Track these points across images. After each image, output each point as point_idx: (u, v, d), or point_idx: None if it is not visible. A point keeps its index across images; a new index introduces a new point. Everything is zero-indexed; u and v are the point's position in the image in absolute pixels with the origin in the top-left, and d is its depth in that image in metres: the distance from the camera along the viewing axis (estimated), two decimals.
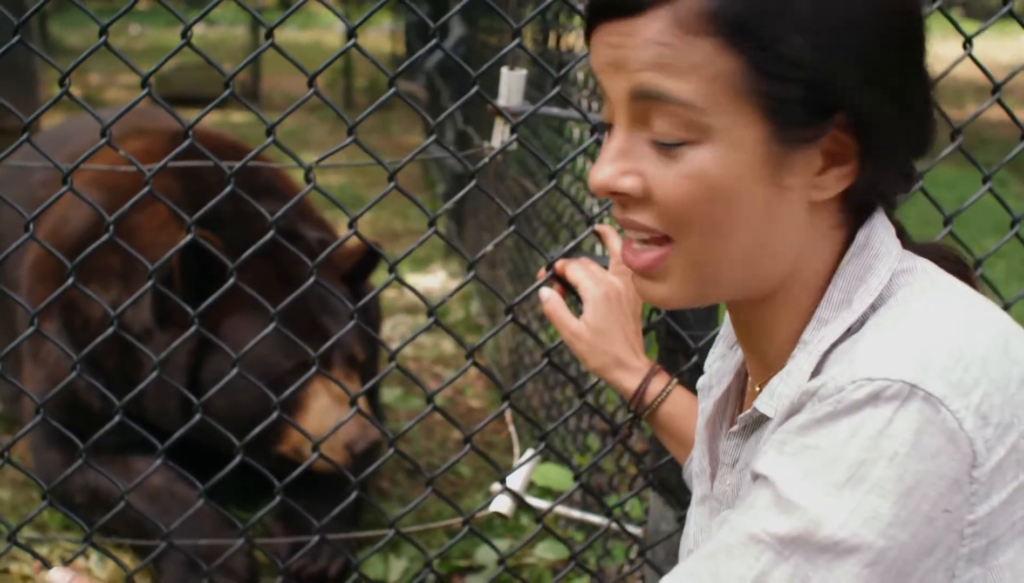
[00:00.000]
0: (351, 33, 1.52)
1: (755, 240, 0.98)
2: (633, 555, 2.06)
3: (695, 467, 1.24)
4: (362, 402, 2.56)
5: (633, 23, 0.94)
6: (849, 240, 1.03)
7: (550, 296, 1.49)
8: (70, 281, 1.68)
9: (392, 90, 1.52)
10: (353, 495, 1.80)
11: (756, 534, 0.91)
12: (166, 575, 2.34)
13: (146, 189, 1.63)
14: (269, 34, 1.49)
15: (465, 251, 4.67)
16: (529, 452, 1.87)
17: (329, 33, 16.59)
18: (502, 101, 1.67)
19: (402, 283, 1.65)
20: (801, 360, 1.01)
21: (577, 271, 1.49)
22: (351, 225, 1.62)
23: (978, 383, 0.89)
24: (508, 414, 2.07)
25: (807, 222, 0.99)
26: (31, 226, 1.61)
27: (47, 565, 1.58)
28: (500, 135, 1.71)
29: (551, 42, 2.83)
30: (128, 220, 2.58)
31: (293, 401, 2.46)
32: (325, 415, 2.48)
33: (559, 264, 1.51)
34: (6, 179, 2.90)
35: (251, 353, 2.34)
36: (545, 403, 2.97)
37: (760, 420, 1.07)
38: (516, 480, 1.79)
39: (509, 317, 1.68)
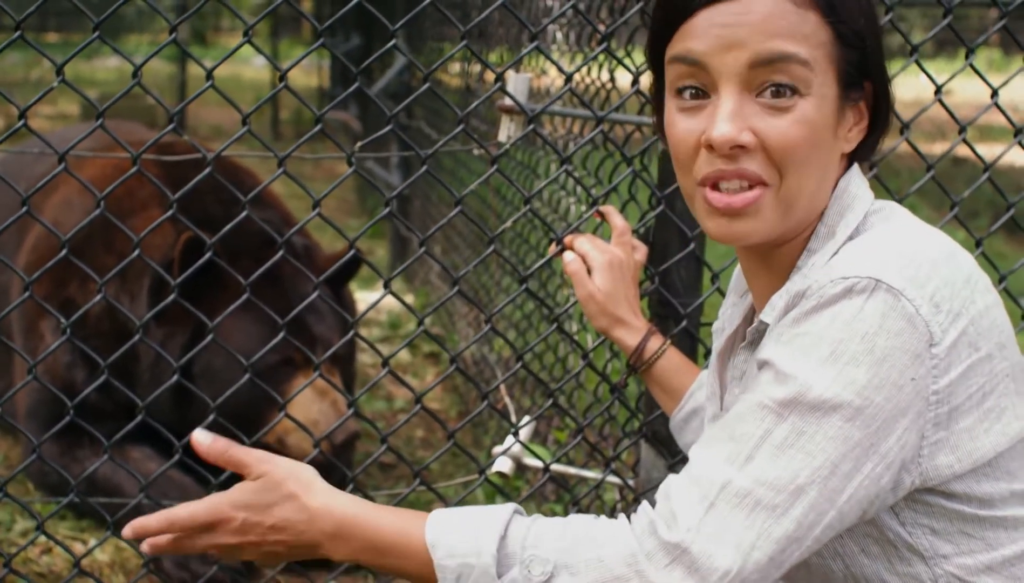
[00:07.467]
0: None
1: (819, 181, 1.24)
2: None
3: (706, 392, 1.46)
4: (342, 397, 2.73)
5: (745, 2, 1.18)
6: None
7: (573, 259, 1.69)
8: (64, 255, 1.83)
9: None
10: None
11: (761, 401, 1.16)
12: (166, 559, 2.47)
13: (135, 168, 1.88)
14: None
15: (417, 265, 4.82)
16: (527, 418, 2.07)
17: (246, 66, 16.62)
18: (508, 101, 1.88)
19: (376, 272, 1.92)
20: (797, 280, 1.26)
21: (584, 243, 1.70)
22: (315, 206, 1.82)
23: (930, 279, 1.15)
24: (503, 388, 2.27)
25: (833, 171, 1.26)
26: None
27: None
28: (507, 131, 1.92)
29: None
30: (123, 224, 2.72)
31: (278, 394, 2.62)
32: (308, 408, 2.65)
33: (568, 238, 1.72)
34: None
35: (238, 348, 2.50)
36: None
37: (764, 332, 1.30)
38: (514, 442, 1.99)
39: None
